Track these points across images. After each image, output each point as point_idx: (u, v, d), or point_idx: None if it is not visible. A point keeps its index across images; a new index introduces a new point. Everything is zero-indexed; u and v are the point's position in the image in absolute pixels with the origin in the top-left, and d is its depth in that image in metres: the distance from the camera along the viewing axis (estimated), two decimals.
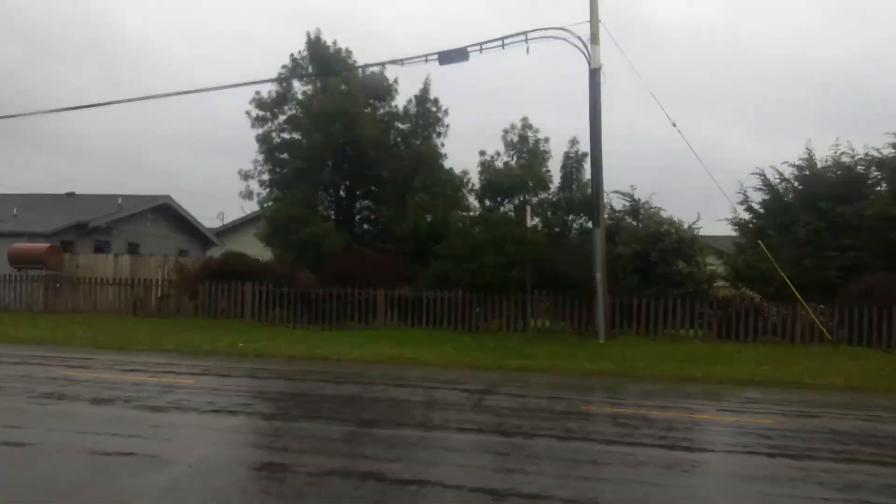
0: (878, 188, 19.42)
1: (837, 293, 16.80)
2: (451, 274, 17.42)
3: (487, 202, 20.88)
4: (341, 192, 24.73)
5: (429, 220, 19.82)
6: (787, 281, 16.03)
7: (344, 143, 22.17)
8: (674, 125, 16.00)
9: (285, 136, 23.78)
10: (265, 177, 24.24)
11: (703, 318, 16.79)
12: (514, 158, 20.98)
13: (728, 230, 21.98)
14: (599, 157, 16.46)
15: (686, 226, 17.76)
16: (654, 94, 15.86)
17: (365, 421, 7.79)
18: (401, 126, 23.86)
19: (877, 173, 19.66)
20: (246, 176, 24.42)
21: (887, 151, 19.01)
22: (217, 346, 15.25)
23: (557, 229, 20.21)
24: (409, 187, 22.98)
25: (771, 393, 11.61)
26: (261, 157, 24.05)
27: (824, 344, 15.76)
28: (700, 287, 17.43)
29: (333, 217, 24.18)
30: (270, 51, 78.00)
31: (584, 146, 20.70)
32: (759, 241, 17.29)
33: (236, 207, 52.14)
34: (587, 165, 20.24)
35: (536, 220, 19.84)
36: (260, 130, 23.73)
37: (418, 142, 22.77)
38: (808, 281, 17.37)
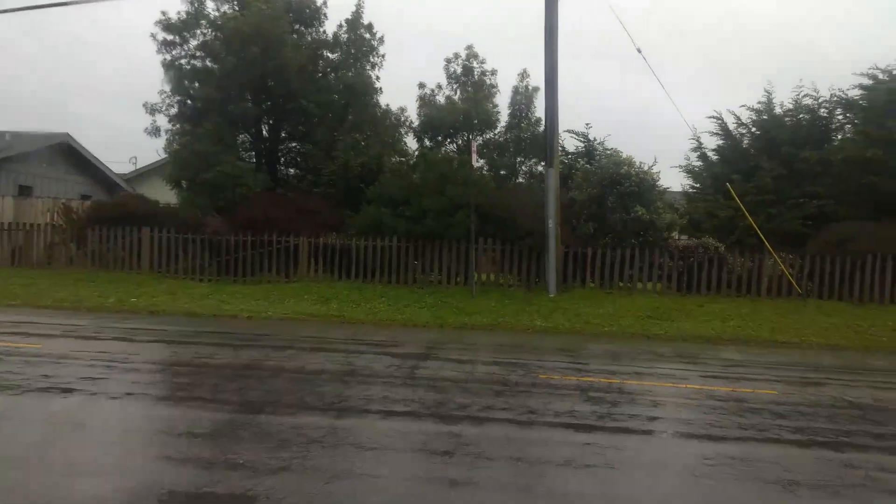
0: (844, 132, 18.11)
1: (804, 244, 15.47)
2: (384, 220, 15.22)
3: (427, 141, 18.62)
4: (264, 131, 21.96)
5: (361, 160, 17.42)
6: (757, 229, 14.56)
7: (265, 73, 19.37)
8: (638, 51, 14.12)
9: (197, 63, 20.72)
10: (174, 111, 21.18)
11: (663, 269, 15.21)
12: (458, 92, 18.70)
13: (679, 184, 20.55)
14: (555, 85, 14.41)
15: (646, 168, 16.01)
16: (618, 21, 13.81)
17: (253, 403, 5.68)
18: (330, 55, 21.12)
19: (841, 115, 18.34)
20: (152, 110, 21.27)
21: (853, 93, 17.64)
22: (104, 302, 12.79)
23: (504, 172, 18.17)
24: (341, 125, 20.45)
25: (749, 353, 10.13)
26: (168, 88, 20.94)
27: (792, 298, 14.44)
28: (659, 236, 15.80)
29: (254, 158, 21.44)
30: None
31: (535, 80, 18.64)
32: (728, 184, 15.69)
33: (151, 152, 48.07)
34: (538, 102, 18.25)
35: (482, 161, 17.77)
36: (167, 56, 20.56)
37: (350, 73, 20.16)
38: (771, 230, 16.00)
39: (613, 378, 7.40)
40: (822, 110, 18.36)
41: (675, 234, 18.14)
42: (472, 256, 14.55)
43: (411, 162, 17.86)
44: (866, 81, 17.17)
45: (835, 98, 18.08)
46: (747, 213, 14.63)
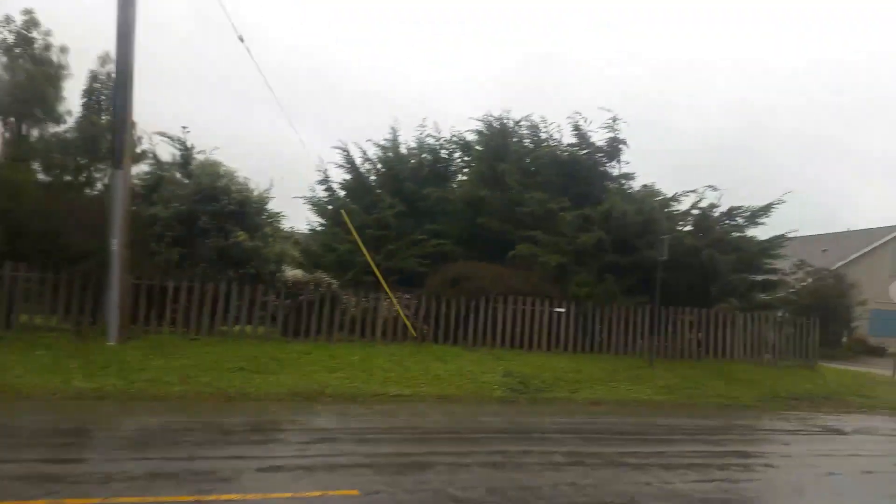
0: (463, 173, 18.12)
1: (423, 284, 14.32)
2: None
3: None
4: None
5: None
6: (373, 264, 12.80)
7: None
8: (241, 39, 11.33)
9: None
10: None
11: (268, 309, 12.44)
12: (7, 66, 13.67)
13: (306, 219, 18.60)
14: (130, 65, 10.74)
15: (252, 186, 13.28)
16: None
17: None
18: None
19: (459, 158, 18.41)
20: None
21: (471, 137, 17.77)
22: None
23: (70, 178, 13.62)
24: None
25: (350, 414, 7.88)
26: None
27: (408, 341, 12.95)
28: (266, 268, 13.09)
29: None
30: None
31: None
32: (342, 211, 13.77)
33: None
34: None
35: (34, 162, 13.04)
36: None
37: None
38: (391, 269, 14.65)
39: (90, 498, 4.13)
40: (444, 151, 18.22)
41: (289, 269, 15.71)
42: None
43: None
44: (481, 127, 17.35)
45: (455, 139, 18.02)
46: (362, 245, 12.83)
